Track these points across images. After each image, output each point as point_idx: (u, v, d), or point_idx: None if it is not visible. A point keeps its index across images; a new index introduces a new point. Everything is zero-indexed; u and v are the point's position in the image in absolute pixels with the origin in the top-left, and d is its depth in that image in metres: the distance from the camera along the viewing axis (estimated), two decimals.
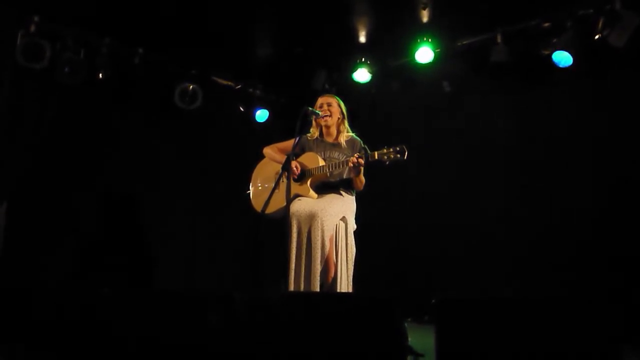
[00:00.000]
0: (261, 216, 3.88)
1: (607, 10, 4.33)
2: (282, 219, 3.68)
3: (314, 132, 4.09)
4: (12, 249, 4.62)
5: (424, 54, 5.30)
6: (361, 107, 5.64)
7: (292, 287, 3.61)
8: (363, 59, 5.73)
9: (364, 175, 3.84)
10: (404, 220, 5.63)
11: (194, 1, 4.76)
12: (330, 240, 3.67)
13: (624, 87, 4.50)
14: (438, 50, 5.33)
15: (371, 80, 5.84)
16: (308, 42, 5.49)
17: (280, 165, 3.72)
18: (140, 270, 5.45)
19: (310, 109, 3.84)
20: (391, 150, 3.55)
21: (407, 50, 5.41)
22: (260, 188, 4.17)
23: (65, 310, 2.88)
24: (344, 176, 3.94)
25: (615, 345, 1.98)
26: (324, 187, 3.92)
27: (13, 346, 2.90)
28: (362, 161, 3.65)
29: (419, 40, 5.27)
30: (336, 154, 3.94)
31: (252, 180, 4.26)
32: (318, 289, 3.57)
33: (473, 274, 4.94)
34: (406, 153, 3.51)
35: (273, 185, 3.74)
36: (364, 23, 5.24)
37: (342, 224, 3.81)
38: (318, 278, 3.58)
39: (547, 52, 4.72)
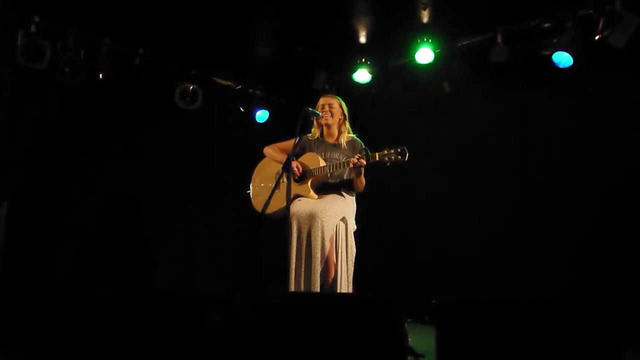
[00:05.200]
0: (261, 216, 3.88)
1: (607, 11, 4.33)
2: (283, 219, 3.68)
3: (314, 133, 4.09)
4: (13, 249, 4.62)
5: (424, 54, 5.29)
6: (361, 108, 5.65)
7: (292, 288, 3.61)
8: (363, 60, 5.73)
9: (365, 176, 3.84)
10: (405, 221, 5.64)
11: (194, 1, 4.76)
12: (331, 240, 3.67)
13: (624, 87, 4.50)
14: (438, 50, 5.32)
15: (371, 80, 5.85)
16: (308, 43, 5.49)
17: (281, 165, 3.72)
18: (140, 270, 5.45)
19: (310, 109, 3.83)
20: (392, 151, 3.55)
21: (407, 50, 5.41)
22: (260, 188, 4.17)
23: (66, 310, 2.88)
24: (345, 177, 3.94)
25: (615, 345, 1.99)
26: (325, 188, 3.92)
27: (14, 346, 2.90)
28: (363, 162, 3.65)
29: (419, 41, 5.27)
30: (337, 155, 3.94)
31: (252, 180, 4.25)
32: (318, 290, 3.57)
33: (474, 274, 4.94)
34: (407, 154, 3.51)
35: (273, 185, 3.73)
36: (364, 23, 5.24)
37: (342, 225, 3.81)
38: (318, 278, 3.58)
39: (547, 53, 4.72)
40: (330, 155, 3.95)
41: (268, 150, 4.22)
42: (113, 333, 2.61)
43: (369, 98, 6.02)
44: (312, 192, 3.87)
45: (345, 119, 4.07)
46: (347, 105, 4.11)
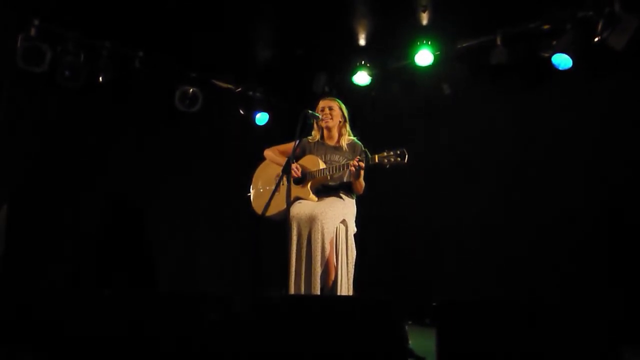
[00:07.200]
0: (261, 219, 3.88)
1: (606, 13, 4.33)
2: (283, 221, 3.68)
3: (315, 135, 4.10)
4: (13, 250, 4.62)
5: (424, 56, 5.30)
6: (361, 110, 5.65)
7: (292, 290, 3.61)
8: (363, 62, 5.74)
9: (364, 179, 3.84)
10: (405, 223, 5.64)
11: (194, 4, 4.77)
12: (331, 243, 3.66)
13: (623, 89, 4.51)
14: (438, 52, 5.33)
15: (371, 82, 5.85)
16: (308, 45, 5.49)
17: (281, 168, 3.72)
18: (140, 271, 5.45)
19: (310, 111, 3.83)
20: (392, 153, 3.55)
21: (407, 52, 5.42)
22: (260, 190, 4.17)
23: (66, 311, 2.88)
24: (345, 179, 3.94)
25: (616, 346, 1.99)
26: (325, 190, 3.92)
27: (14, 347, 2.90)
28: (362, 164, 3.65)
29: (418, 43, 5.27)
30: (337, 157, 3.94)
31: (252, 183, 4.26)
32: (318, 292, 3.57)
33: (474, 277, 4.94)
34: (406, 156, 3.51)
35: (273, 187, 3.73)
36: (364, 26, 5.25)
37: (342, 227, 3.81)
38: (318, 281, 3.58)
39: (546, 55, 4.72)
40: (330, 158, 3.95)
41: (268, 152, 4.22)
42: (113, 333, 2.61)
43: (368, 100, 6.02)
44: (312, 195, 3.87)
45: (345, 121, 4.07)
46: (346, 108, 4.11)
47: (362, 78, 5.80)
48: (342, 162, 3.84)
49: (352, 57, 5.73)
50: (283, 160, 3.84)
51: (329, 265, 3.67)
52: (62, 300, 2.98)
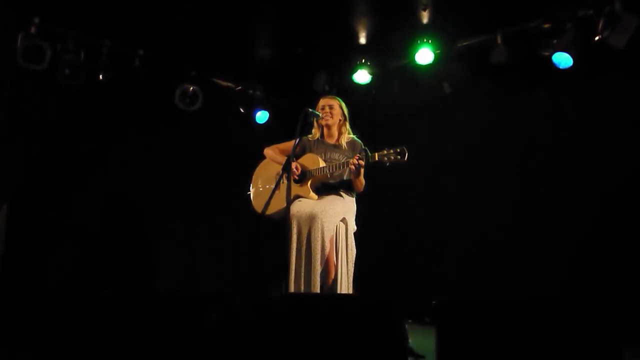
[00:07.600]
0: (261, 217, 3.88)
1: (606, 12, 4.32)
2: (283, 220, 3.68)
3: (315, 133, 4.10)
4: (13, 250, 4.62)
5: (424, 55, 5.30)
6: (361, 109, 5.65)
7: (292, 289, 3.61)
8: (363, 60, 5.74)
9: (364, 176, 3.84)
10: (405, 222, 5.63)
11: (194, 2, 4.77)
12: (331, 241, 3.67)
13: (623, 88, 4.50)
14: (438, 51, 5.33)
15: (371, 81, 5.85)
16: (308, 44, 5.49)
17: (281, 166, 3.72)
18: (140, 271, 5.45)
19: (310, 110, 3.83)
20: (391, 151, 3.55)
21: (407, 51, 5.41)
22: (260, 189, 4.18)
23: (65, 311, 2.88)
24: (344, 177, 3.94)
25: (616, 346, 1.98)
26: (324, 188, 3.92)
27: (14, 347, 2.90)
28: (362, 162, 3.66)
29: (419, 42, 5.27)
30: (337, 155, 3.94)
31: (252, 181, 4.26)
32: (318, 290, 3.57)
33: (474, 275, 4.94)
34: (406, 154, 3.51)
35: (273, 186, 3.73)
36: (364, 24, 5.25)
37: (342, 225, 3.81)
38: (318, 279, 3.58)
39: (547, 54, 4.72)
40: (330, 156, 3.95)
41: (268, 151, 4.22)
42: (113, 333, 2.61)
43: (369, 99, 6.02)
44: (312, 193, 3.87)
45: (345, 119, 4.08)
46: (347, 106, 4.12)
47: (362, 77, 5.79)
48: (342, 161, 3.84)
49: (352, 56, 5.73)
50: (283, 159, 3.83)
51: (329, 264, 3.67)
52: (62, 300, 2.98)
